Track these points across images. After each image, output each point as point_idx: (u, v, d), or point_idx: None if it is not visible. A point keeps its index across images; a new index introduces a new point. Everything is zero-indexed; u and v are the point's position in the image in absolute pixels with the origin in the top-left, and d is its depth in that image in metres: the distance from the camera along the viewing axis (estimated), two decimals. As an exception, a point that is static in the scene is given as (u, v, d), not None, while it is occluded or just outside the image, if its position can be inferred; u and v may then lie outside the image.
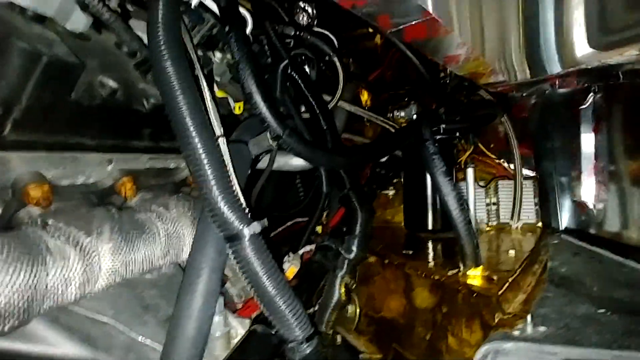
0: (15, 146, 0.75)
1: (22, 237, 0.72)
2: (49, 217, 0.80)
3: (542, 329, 0.78)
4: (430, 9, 0.71)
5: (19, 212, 0.82)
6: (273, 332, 0.85)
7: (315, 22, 1.87)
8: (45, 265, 0.70)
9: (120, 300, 0.97)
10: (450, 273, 1.18)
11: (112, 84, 0.86)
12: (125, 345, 0.91)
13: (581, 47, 1.26)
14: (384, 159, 2.03)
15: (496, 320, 0.91)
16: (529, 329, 0.78)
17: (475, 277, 1.12)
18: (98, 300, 0.92)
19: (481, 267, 1.16)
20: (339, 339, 1.33)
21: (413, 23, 0.77)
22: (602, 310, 0.88)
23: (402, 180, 2.07)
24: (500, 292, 0.98)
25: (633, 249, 1.36)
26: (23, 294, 0.66)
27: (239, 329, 1.05)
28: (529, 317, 0.80)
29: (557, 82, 1.53)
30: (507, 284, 1.03)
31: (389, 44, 2.51)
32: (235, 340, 1.02)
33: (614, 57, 1.17)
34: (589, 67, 1.26)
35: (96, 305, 0.91)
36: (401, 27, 0.79)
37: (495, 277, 1.09)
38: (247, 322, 1.06)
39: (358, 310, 1.48)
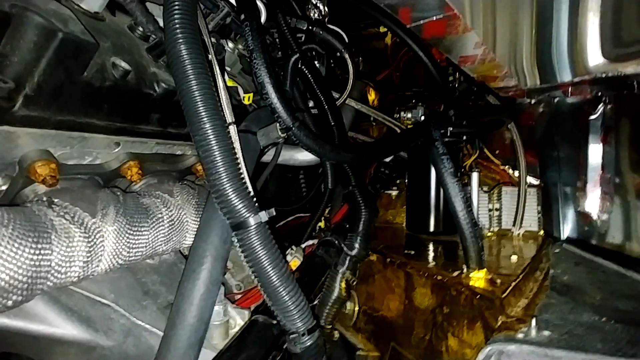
0: (24, 122, 0.74)
1: (27, 213, 0.71)
2: (55, 195, 0.80)
3: (546, 333, 0.77)
4: (451, 4, 0.70)
5: (25, 189, 0.81)
6: (274, 323, 0.85)
7: (326, 19, 1.87)
8: (50, 243, 0.70)
9: (121, 284, 0.96)
10: (453, 274, 1.17)
11: (124, 65, 0.85)
12: (124, 329, 0.90)
13: (594, 57, 1.26)
14: (388, 159, 2.03)
15: (499, 323, 0.91)
16: (533, 333, 0.77)
17: (478, 279, 1.12)
18: (99, 283, 0.92)
19: (485, 269, 1.15)
20: (336, 335, 1.33)
21: (434, 19, 0.76)
22: (605, 319, 0.87)
23: (405, 181, 2.06)
24: (503, 295, 0.97)
25: (636, 261, 1.35)
26: (27, 270, 0.65)
27: (238, 319, 1.05)
28: (533, 321, 0.80)
29: (569, 90, 1.53)
30: (510, 288, 1.02)
31: (399, 45, 2.51)
32: (233, 330, 1.02)
33: (630, 67, 1.16)
34: (603, 76, 1.25)
35: (97, 288, 0.91)
36: (421, 22, 0.78)
37: (498, 281, 1.09)
38: (246, 313, 1.06)
39: (357, 307, 1.48)
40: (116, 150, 0.94)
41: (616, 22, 1.13)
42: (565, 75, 1.38)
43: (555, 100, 1.68)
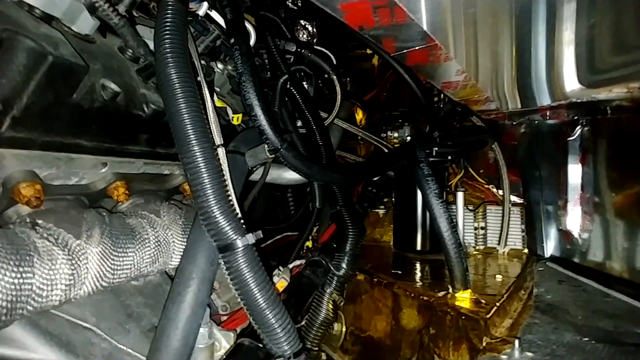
0: (10, 144, 0.73)
1: (9, 235, 0.70)
2: (39, 216, 0.78)
3: (529, 354, 0.78)
4: (433, 36, 0.74)
5: (8, 210, 0.80)
6: (260, 346, 0.84)
7: (315, 40, 1.92)
8: (32, 266, 0.68)
9: (103, 306, 0.94)
10: (439, 295, 1.18)
11: (114, 87, 0.86)
12: (106, 354, 0.88)
13: (570, 83, 1.32)
14: (376, 178, 2.05)
15: (484, 344, 0.92)
16: (517, 354, 0.78)
17: (464, 299, 1.13)
18: (80, 306, 0.89)
19: (470, 290, 1.17)
20: (323, 356, 1.31)
21: (416, 48, 0.80)
22: (586, 339, 0.89)
23: (392, 200, 2.09)
24: (488, 316, 0.98)
25: (616, 280, 1.39)
26: (7, 294, 0.64)
27: (223, 341, 1.03)
28: (516, 342, 0.81)
29: (547, 113, 1.59)
30: (495, 308, 1.03)
31: (385, 66, 2.58)
32: (219, 353, 1.00)
33: (603, 93, 1.22)
34: (578, 101, 1.31)
35: (78, 311, 0.89)
36: (404, 51, 0.82)
37: (483, 301, 1.10)
38: (232, 335, 1.04)
39: (344, 328, 1.47)
40: (103, 170, 0.94)
41: (590, 51, 1.19)
42: (544, 99, 1.44)
43: (536, 122, 1.74)
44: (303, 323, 1.24)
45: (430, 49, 0.80)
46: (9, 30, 0.67)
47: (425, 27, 0.71)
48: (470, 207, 1.95)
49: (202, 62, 1.09)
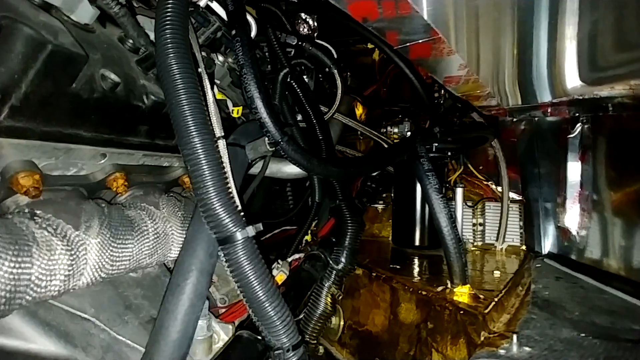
0: (9, 133, 0.73)
1: (8, 225, 0.70)
2: (38, 207, 0.78)
3: (527, 349, 0.79)
4: (437, 28, 0.74)
5: (6, 200, 0.80)
6: (259, 339, 0.84)
7: (315, 34, 1.90)
8: (30, 256, 0.68)
9: (102, 297, 0.94)
10: (438, 289, 1.19)
11: (114, 77, 0.85)
12: (104, 344, 0.88)
13: (572, 80, 1.32)
14: (375, 173, 2.05)
15: (482, 339, 0.92)
16: (515, 349, 0.79)
17: (462, 294, 1.14)
18: (79, 297, 0.89)
19: (468, 285, 1.17)
20: (321, 349, 1.32)
21: (420, 41, 0.79)
22: (584, 335, 0.89)
23: (391, 195, 2.09)
24: (486, 311, 0.99)
25: (613, 277, 1.39)
26: (5, 285, 0.63)
27: (222, 334, 1.03)
28: (514, 337, 0.81)
29: (548, 110, 1.58)
30: (493, 304, 1.04)
31: (386, 61, 2.57)
32: (217, 345, 1.00)
33: (605, 90, 1.22)
34: (580, 97, 1.31)
35: (77, 302, 0.89)
36: (407, 44, 0.81)
37: (481, 296, 1.11)
38: (230, 327, 1.04)
39: (342, 322, 1.48)
40: (102, 161, 0.93)
41: (592, 48, 1.19)
42: (545, 96, 1.44)
43: (536, 118, 1.74)
44: (301, 316, 1.24)
45: (434, 42, 0.79)
46: (8, 18, 0.66)
47: (428, 20, 0.70)
48: (469, 204, 1.95)
49: (203, 53, 1.08)
